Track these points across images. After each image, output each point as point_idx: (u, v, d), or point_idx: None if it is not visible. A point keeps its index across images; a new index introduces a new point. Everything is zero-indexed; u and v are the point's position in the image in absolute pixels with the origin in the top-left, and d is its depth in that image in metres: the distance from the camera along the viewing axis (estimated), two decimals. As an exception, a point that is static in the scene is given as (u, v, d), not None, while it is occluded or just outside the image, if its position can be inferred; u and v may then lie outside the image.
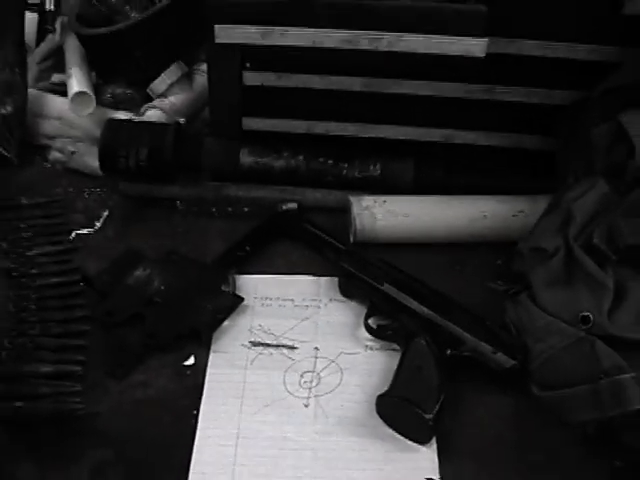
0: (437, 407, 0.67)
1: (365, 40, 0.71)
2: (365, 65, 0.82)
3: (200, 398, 0.71)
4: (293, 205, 0.90)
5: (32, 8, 1.03)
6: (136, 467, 0.65)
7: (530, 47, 0.84)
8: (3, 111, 0.97)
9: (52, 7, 1.04)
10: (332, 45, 0.71)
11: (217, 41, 0.73)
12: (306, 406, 0.71)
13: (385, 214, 0.85)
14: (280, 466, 0.66)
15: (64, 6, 1.07)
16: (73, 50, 1.08)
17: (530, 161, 0.89)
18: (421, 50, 0.72)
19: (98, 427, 0.68)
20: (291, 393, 0.72)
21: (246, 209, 0.92)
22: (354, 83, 0.87)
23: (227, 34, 0.73)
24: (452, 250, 0.85)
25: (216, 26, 0.73)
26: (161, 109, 1.02)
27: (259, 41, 0.73)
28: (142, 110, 1.02)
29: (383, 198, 0.86)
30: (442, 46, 0.71)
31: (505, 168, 0.89)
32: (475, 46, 0.70)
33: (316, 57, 0.79)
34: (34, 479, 0.64)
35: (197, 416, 0.69)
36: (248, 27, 0.73)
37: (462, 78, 0.85)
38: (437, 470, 0.66)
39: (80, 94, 0.99)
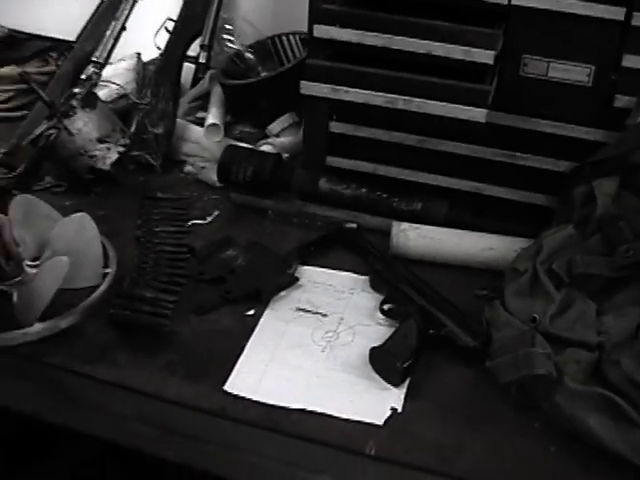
0: (409, 361, 0.99)
1: (400, 101, 1.06)
2: (412, 125, 1.17)
3: (251, 335, 1.06)
4: (353, 225, 1.25)
5: (190, 60, 1.44)
6: (194, 367, 1.01)
7: (543, 125, 1.17)
8: (156, 131, 1.38)
9: (204, 61, 1.45)
10: (379, 104, 1.07)
11: (302, 92, 1.10)
12: (322, 351, 1.04)
13: (416, 237, 1.19)
14: (293, 382, 0.99)
15: (213, 61, 1.48)
16: (216, 95, 1.49)
17: (539, 213, 1.20)
18: (441, 113, 1.06)
19: (174, 340, 1.04)
20: (314, 342, 1.06)
21: (319, 223, 1.28)
22: (408, 139, 1.22)
23: (311, 89, 1.10)
24: (462, 270, 1.18)
25: (301, 82, 1.11)
26: (272, 145, 1.40)
27: (331, 95, 1.10)
28: (258, 144, 1.41)
29: (417, 226, 1.20)
30: (456, 111, 1.06)
31: (516, 216, 1.21)
32: (478, 113, 1.04)
33: (378, 114, 1.15)
34: (127, 361, 1.01)
35: (245, 345, 1.04)
36: (323, 85, 1.10)
37: (491, 144, 1.19)
38: (401, 404, 0.97)
39: (213, 125, 1.40)
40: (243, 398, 0.96)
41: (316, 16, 1.13)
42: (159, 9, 1.44)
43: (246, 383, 0.98)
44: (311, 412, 0.95)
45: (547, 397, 0.94)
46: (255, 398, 0.96)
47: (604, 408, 0.90)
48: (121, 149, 1.30)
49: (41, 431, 1.35)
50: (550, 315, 0.99)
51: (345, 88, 1.07)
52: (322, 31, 1.12)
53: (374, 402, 0.97)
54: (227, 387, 0.97)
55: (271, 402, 0.96)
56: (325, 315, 1.10)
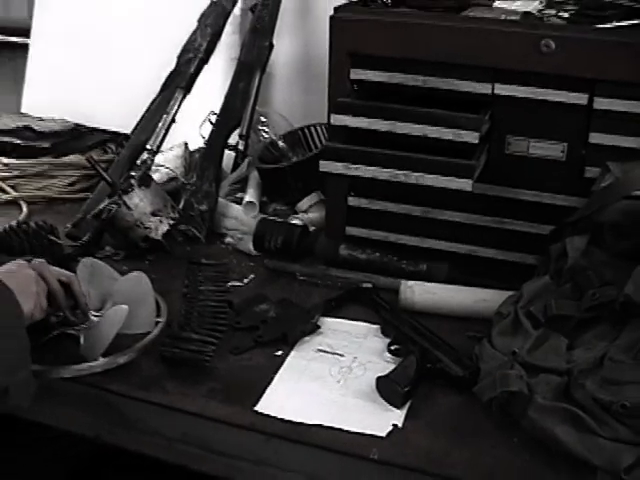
0: (409, 387, 1.23)
1: (402, 176, 1.34)
2: (416, 196, 1.45)
3: (278, 370, 1.32)
4: (369, 284, 1.51)
5: (230, 148, 1.74)
6: (230, 393, 1.25)
7: (526, 195, 1.43)
8: (201, 208, 1.67)
9: (242, 149, 1.75)
10: (384, 178, 1.34)
11: (321, 169, 1.39)
12: (337, 382, 1.29)
13: (421, 292, 1.44)
14: (312, 404, 1.23)
15: (250, 149, 1.78)
16: (253, 178, 1.79)
17: (525, 270, 1.45)
18: (435, 184, 1.33)
19: (214, 373, 1.29)
20: (332, 375, 1.30)
21: (339, 283, 1.54)
22: (414, 210, 1.49)
23: (328, 167, 1.39)
24: (459, 318, 1.42)
25: (320, 161, 1.39)
26: (301, 220, 1.68)
27: (345, 172, 1.38)
28: (289, 219, 1.69)
29: (422, 283, 1.45)
30: (447, 183, 1.33)
31: (506, 273, 1.46)
32: (466, 184, 1.31)
33: (385, 187, 1.42)
34: (174, 388, 1.26)
35: (273, 377, 1.30)
36: (338, 163, 1.38)
37: (483, 212, 1.46)
38: (401, 422, 1.21)
39: (250, 203, 1.68)
40: (270, 416, 1.21)
41: (333, 107, 1.42)
42: (203, 104, 1.74)
43: (273, 405, 1.22)
44: (327, 427, 1.19)
45: (523, 413, 1.17)
46: (280, 416, 1.20)
47: (568, 420, 1.12)
48: (171, 222, 1.59)
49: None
50: (527, 348, 1.23)
51: (355, 165, 1.35)
52: (338, 119, 1.41)
53: (379, 419, 1.20)
54: (257, 408, 1.22)
55: (294, 419, 1.20)
56: (342, 355, 1.35)
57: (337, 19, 1.43)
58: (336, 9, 1.45)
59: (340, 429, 1.18)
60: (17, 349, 1.12)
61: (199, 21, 1.79)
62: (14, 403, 1.12)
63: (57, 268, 1.34)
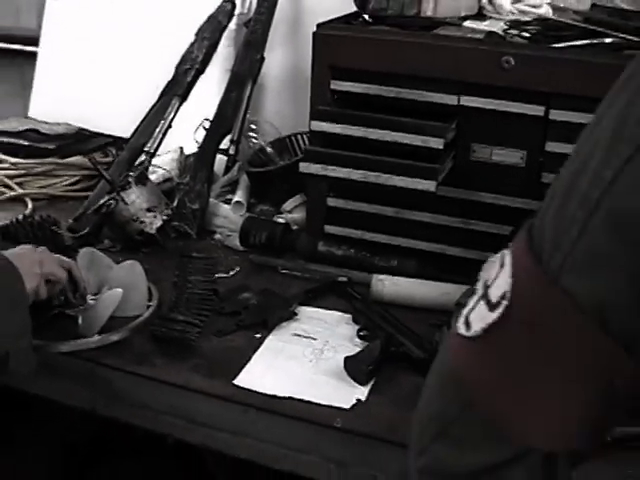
0: (372, 366, 1.39)
1: (372, 177, 1.50)
2: (386, 199, 1.61)
3: (257, 350, 1.47)
4: (344, 278, 1.67)
5: (221, 152, 1.91)
6: (213, 368, 1.41)
7: (489, 198, 1.59)
8: (194, 206, 1.83)
9: (233, 153, 1.91)
10: (356, 178, 1.50)
11: (300, 170, 1.55)
12: (310, 361, 1.44)
13: (390, 285, 1.60)
14: (285, 380, 1.39)
15: (241, 154, 1.94)
16: (242, 181, 1.95)
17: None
18: (402, 185, 1.49)
19: (199, 351, 1.45)
20: (305, 356, 1.45)
21: (317, 277, 1.70)
22: (386, 210, 1.65)
23: (307, 168, 1.55)
24: (424, 310, 1.58)
25: (300, 163, 1.56)
26: (284, 219, 1.84)
27: (322, 172, 1.54)
28: (274, 218, 1.86)
29: (391, 277, 1.61)
30: (415, 184, 1.49)
31: (471, 269, 1.61)
32: (430, 185, 1.47)
33: (362, 189, 1.58)
34: (162, 363, 1.42)
35: (252, 356, 1.45)
36: (316, 165, 1.54)
37: (450, 213, 1.62)
38: (365, 397, 1.36)
39: (238, 202, 1.85)
40: (247, 389, 1.36)
41: (313, 115, 1.58)
42: (198, 111, 1.91)
43: (251, 379, 1.38)
44: (297, 399, 1.34)
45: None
46: (257, 389, 1.36)
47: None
48: (165, 218, 1.75)
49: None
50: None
51: (332, 167, 1.51)
52: (317, 126, 1.57)
53: (344, 394, 1.35)
54: (236, 381, 1.37)
55: (268, 392, 1.35)
56: (315, 339, 1.50)
57: (319, 34, 1.59)
58: (319, 25, 1.61)
59: (309, 401, 1.33)
60: (20, 319, 1.27)
61: (196, 34, 1.96)
62: (14, 368, 1.28)
63: (59, 255, 1.50)
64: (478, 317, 0.66)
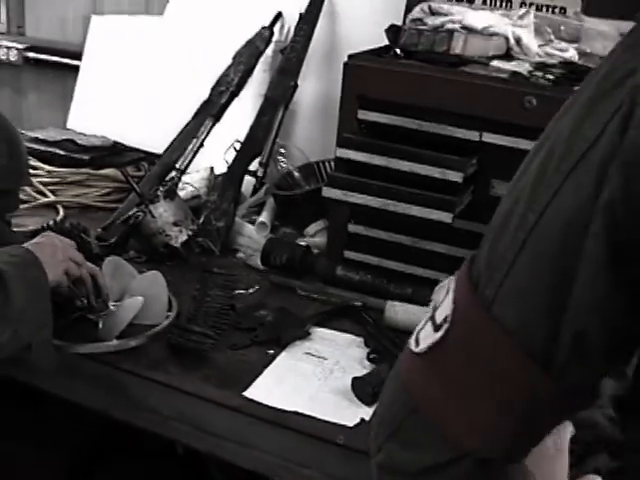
0: (378, 388, 1.44)
1: (391, 205, 1.56)
2: (404, 228, 1.67)
3: (269, 365, 1.53)
4: (359, 303, 1.73)
5: (250, 173, 1.98)
6: (224, 379, 1.47)
7: (505, 234, 1.65)
8: (218, 224, 1.90)
9: (261, 175, 1.99)
10: (376, 206, 1.57)
11: (323, 194, 1.62)
12: (319, 380, 1.50)
13: (402, 312, 1.65)
14: (293, 396, 1.44)
15: (269, 177, 2.02)
16: (269, 203, 2.02)
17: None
18: (419, 215, 1.55)
19: (212, 362, 1.50)
20: (315, 375, 1.51)
21: (334, 300, 1.76)
22: (404, 239, 1.71)
23: (328, 192, 1.61)
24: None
25: (323, 187, 1.62)
26: (306, 242, 1.91)
27: (343, 198, 1.60)
28: (296, 241, 1.92)
29: (403, 304, 1.67)
30: (431, 214, 1.55)
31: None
32: (445, 216, 1.53)
33: (381, 217, 1.64)
34: (176, 371, 1.48)
35: (263, 371, 1.51)
36: (337, 190, 1.61)
37: (463, 245, 1.67)
38: (369, 417, 1.41)
39: (262, 223, 1.91)
40: (256, 401, 1.42)
41: (339, 142, 1.65)
42: (230, 133, 1.98)
43: (260, 393, 1.43)
44: (303, 415, 1.39)
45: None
46: (265, 402, 1.42)
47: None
48: (190, 233, 1.82)
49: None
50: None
51: (352, 193, 1.58)
52: (342, 152, 1.64)
53: (349, 413, 1.40)
54: (246, 393, 1.43)
55: (275, 406, 1.41)
56: (325, 359, 1.56)
57: (350, 65, 1.66)
58: (350, 56, 1.68)
59: (314, 417, 1.38)
60: (42, 310, 1.34)
61: (234, 58, 2.04)
62: (35, 361, 1.34)
63: (87, 262, 1.57)
64: (425, 336, 0.73)
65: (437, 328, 0.72)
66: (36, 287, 1.33)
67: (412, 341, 0.75)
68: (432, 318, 0.74)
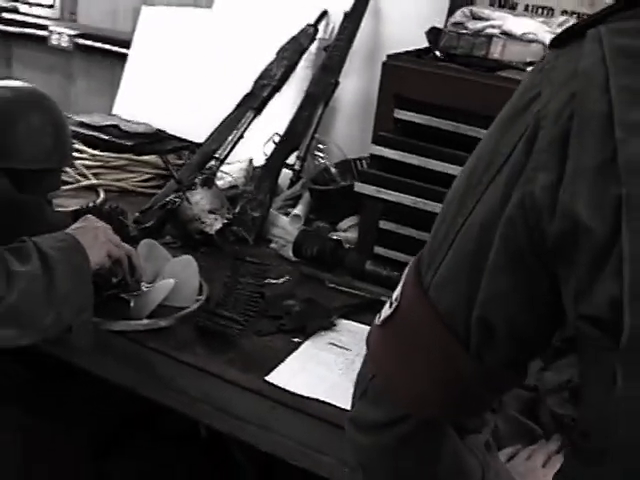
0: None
1: (421, 203, 1.61)
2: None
3: (292, 352, 1.58)
4: (385, 298, 1.77)
5: (288, 167, 2.04)
6: (248, 363, 1.52)
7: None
8: (254, 214, 1.96)
9: (299, 169, 2.04)
10: (407, 204, 1.62)
11: (355, 189, 1.67)
12: (339, 369, 1.55)
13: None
14: (314, 383, 1.49)
15: (306, 171, 2.07)
16: (304, 197, 2.07)
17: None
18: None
19: (238, 347, 1.56)
20: (336, 364, 1.56)
21: (361, 293, 1.81)
22: (435, 237, 1.76)
23: (361, 188, 1.67)
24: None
25: (355, 183, 1.67)
26: (338, 236, 1.96)
27: (375, 194, 1.65)
28: (329, 235, 1.97)
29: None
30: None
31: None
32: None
33: (412, 214, 1.69)
34: (202, 352, 1.54)
35: (287, 358, 1.56)
36: (370, 186, 1.66)
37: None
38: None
39: (296, 216, 1.97)
40: (277, 386, 1.47)
41: (375, 139, 1.70)
42: (270, 126, 2.04)
43: (282, 378, 1.49)
44: (321, 401, 1.44)
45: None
46: (286, 387, 1.47)
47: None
48: (226, 221, 1.88)
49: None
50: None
51: (384, 190, 1.63)
52: (377, 150, 1.69)
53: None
54: (268, 378, 1.49)
55: (296, 392, 1.46)
56: (349, 349, 1.61)
57: (388, 65, 1.71)
58: (389, 56, 1.73)
59: (334, 405, 1.43)
60: (85, 295, 1.41)
61: (277, 53, 2.10)
62: (75, 341, 1.41)
63: (123, 243, 1.63)
64: (383, 311, 0.88)
65: (390, 305, 0.87)
66: (79, 272, 1.40)
67: (377, 315, 0.90)
68: (390, 297, 0.88)
